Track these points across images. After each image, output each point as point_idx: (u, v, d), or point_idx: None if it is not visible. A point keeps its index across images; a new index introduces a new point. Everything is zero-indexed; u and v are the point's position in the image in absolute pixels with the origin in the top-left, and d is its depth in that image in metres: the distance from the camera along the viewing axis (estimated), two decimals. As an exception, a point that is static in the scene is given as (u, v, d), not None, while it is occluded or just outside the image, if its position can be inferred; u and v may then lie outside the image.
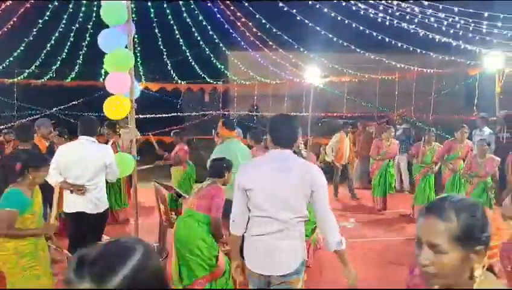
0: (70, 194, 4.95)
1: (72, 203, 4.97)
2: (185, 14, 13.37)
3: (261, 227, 3.11)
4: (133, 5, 8.92)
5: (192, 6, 13.21)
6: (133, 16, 8.72)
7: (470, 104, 12.06)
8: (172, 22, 13.48)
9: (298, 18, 12.17)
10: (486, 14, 9.49)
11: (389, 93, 14.21)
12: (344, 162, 10.30)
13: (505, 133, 9.90)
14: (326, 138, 11.14)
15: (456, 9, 9.50)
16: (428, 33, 10.89)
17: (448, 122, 11.54)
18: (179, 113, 16.45)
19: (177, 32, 13.82)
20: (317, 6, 11.45)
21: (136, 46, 12.17)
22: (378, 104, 14.87)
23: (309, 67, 11.71)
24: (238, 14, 13.23)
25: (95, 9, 11.89)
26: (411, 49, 11.86)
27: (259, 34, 13.65)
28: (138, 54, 13.01)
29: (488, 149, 7.36)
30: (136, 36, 11.32)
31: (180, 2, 13.08)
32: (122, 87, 5.36)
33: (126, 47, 5.53)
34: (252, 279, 3.26)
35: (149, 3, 12.93)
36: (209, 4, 13.08)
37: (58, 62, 14.32)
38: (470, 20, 9.78)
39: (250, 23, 13.47)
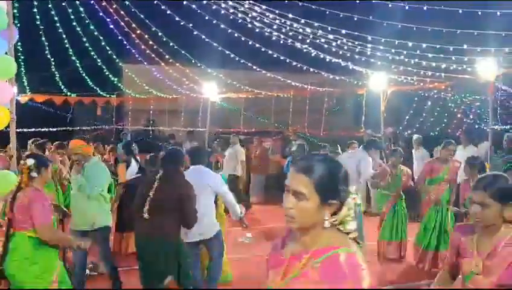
0: None
1: None
2: (74, 23, 12.67)
3: None
4: (15, 10, 8.26)
5: (83, 15, 12.56)
6: (16, 21, 8.05)
7: (358, 121, 12.84)
8: (61, 30, 12.70)
9: (195, 33, 12.12)
10: (370, 38, 10.20)
11: (284, 110, 14.67)
12: None
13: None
14: (221, 155, 11.11)
15: (343, 31, 10.09)
16: (320, 53, 11.44)
17: (338, 138, 12.15)
18: (68, 128, 15.52)
19: (66, 41, 13.04)
20: (214, 22, 11.51)
21: (19, 54, 11.32)
22: (274, 121, 15.27)
23: (206, 83, 11.68)
24: (133, 25, 12.86)
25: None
26: (304, 68, 12.37)
27: (155, 47, 13.38)
28: (22, 63, 12.05)
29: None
30: (19, 44, 10.53)
31: (70, 10, 12.37)
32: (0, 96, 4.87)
33: (6, 54, 5.06)
34: None
35: (35, 10, 12.04)
36: (101, 14, 12.52)
37: None
38: (356, 43, 10.45)
39: (145, 36, 13.15)
